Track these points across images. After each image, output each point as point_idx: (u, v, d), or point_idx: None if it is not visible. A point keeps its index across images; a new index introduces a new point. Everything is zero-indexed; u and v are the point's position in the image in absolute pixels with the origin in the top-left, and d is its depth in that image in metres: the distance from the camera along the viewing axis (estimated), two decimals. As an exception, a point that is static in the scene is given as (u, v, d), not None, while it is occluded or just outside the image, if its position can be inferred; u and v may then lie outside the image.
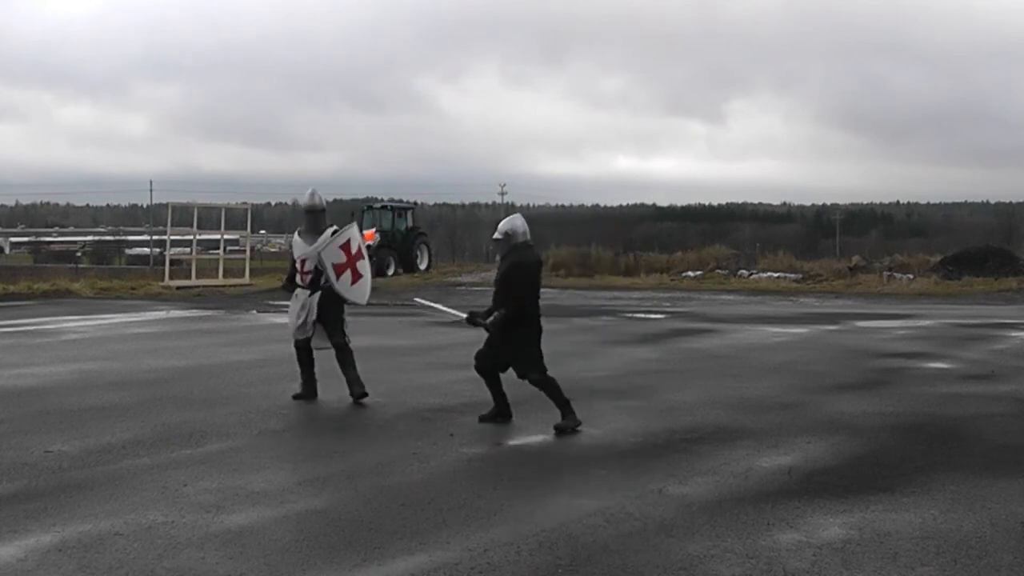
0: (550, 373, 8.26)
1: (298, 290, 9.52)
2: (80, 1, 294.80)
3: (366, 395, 9.34)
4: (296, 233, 9.79)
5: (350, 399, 9.33)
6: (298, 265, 9.52)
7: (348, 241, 9.45)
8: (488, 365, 8.37)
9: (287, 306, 9.88)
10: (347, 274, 9.43)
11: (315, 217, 9.63)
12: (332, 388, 10.07)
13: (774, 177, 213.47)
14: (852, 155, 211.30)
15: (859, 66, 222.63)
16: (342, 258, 9.40)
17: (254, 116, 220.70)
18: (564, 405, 8.16)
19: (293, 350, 9.71)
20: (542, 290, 8.46)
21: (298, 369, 9.61)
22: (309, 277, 9.44)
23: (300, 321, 9.44)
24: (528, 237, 8.35)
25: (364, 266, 9.58)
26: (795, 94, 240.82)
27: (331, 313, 9.45)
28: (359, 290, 9.58)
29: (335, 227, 9.62)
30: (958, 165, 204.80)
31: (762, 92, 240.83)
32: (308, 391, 9.57)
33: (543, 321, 8.35)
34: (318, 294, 9.40)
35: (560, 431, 7.99)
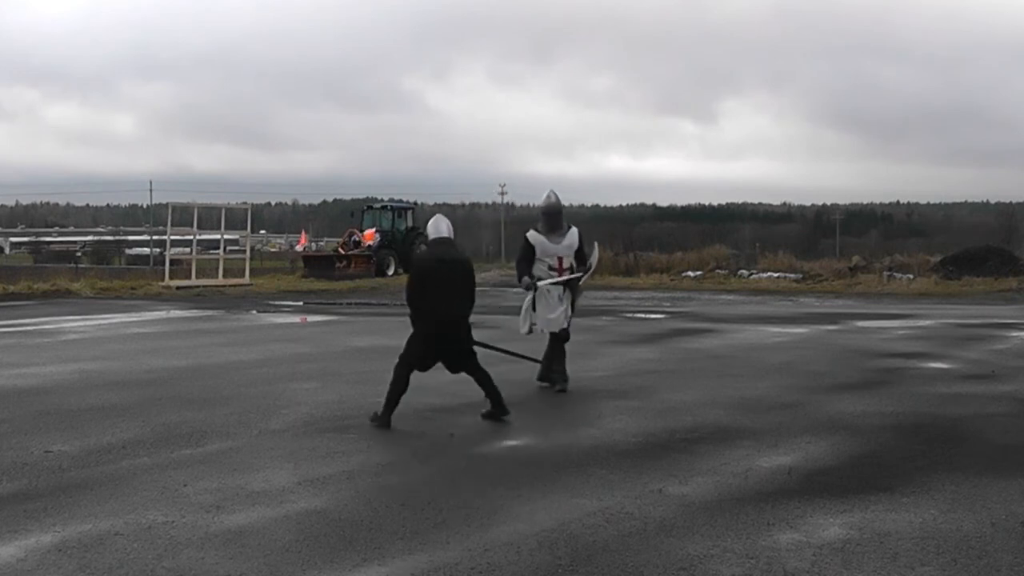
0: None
1: (548, 285, 9.97)
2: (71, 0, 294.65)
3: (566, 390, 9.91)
4: (533, 232, 10.20)
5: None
6: (554, 263, 10.01)
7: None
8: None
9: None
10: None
11: (557, 218, 10.21)
12: (332, 387, 10.09)
13: (772, 177, 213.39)
14: (851, 155, 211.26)
15: (855, 66, 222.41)
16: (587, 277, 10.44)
17: (245, 116, 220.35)
18: (388, 404, 8.23)
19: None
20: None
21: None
22: (568, 272, 10.06)
23: (558, 314, 9.98)
24: (437, 235, 8.49)
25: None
26: (792, 94, 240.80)
27: (572, 308, 10.19)
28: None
29: (574, 227, 10.34)
30: (957, 165, 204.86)
31: (759, 92, 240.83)
32: (563, 378, 9.99)
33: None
34: (567, 290, 10.08)
35: (373, 420, 8.17)
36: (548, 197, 10.23)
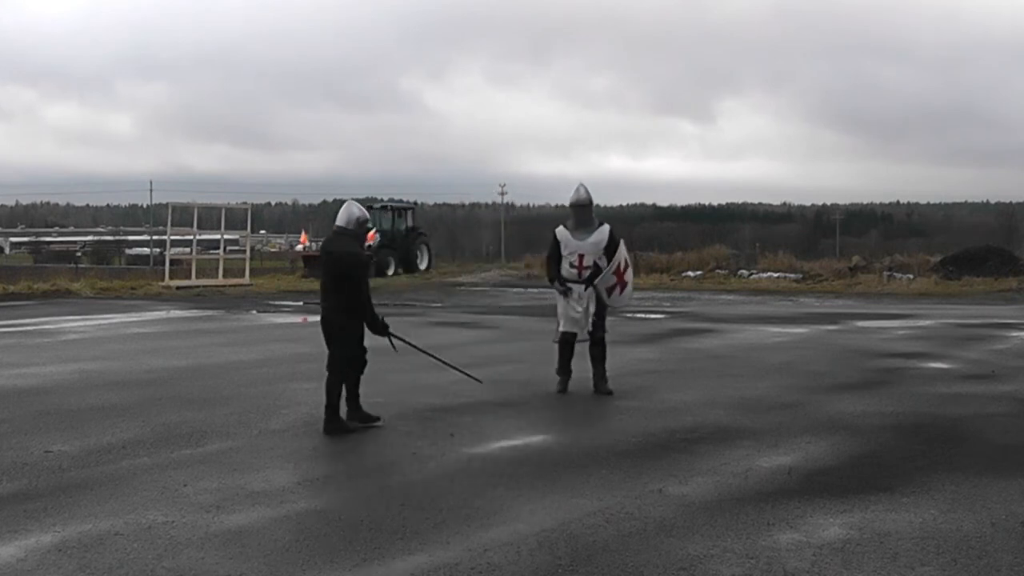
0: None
1: (571, 285, 9.69)
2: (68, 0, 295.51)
3: (611, 393, 9.65)
4: (562, 227, 9.88)
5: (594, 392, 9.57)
6: (574, 260, 9.71)
7: (619, 265, 9.77)
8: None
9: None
10: (616, 290, 9.84)
11: (584, 211, 9.82)
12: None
13: (772, 177, 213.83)
14: (851, 155, 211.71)
15: (855, 66, 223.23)
16: (614, 280, 9.79)
17: (245, 116, 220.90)
18: (350, 401, 8.11)
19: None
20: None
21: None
22: (588, 272, 9.68)
23: (578, 316, 9.69)
24: (338, 224, 8.22)
25: (629, 273, 9.99)
26: (791, 94, 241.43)
27: (600, 307, 9.79)
28: (626, 295, 10.06)
29: (607, 224, 9.83)
30: (957, 165, 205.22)
31: (758, 92, 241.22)
32: (565, 385, 9.79)
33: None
34: (591, 289, 9.71)
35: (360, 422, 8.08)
36: (577, 191, 9.85)
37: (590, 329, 9.74)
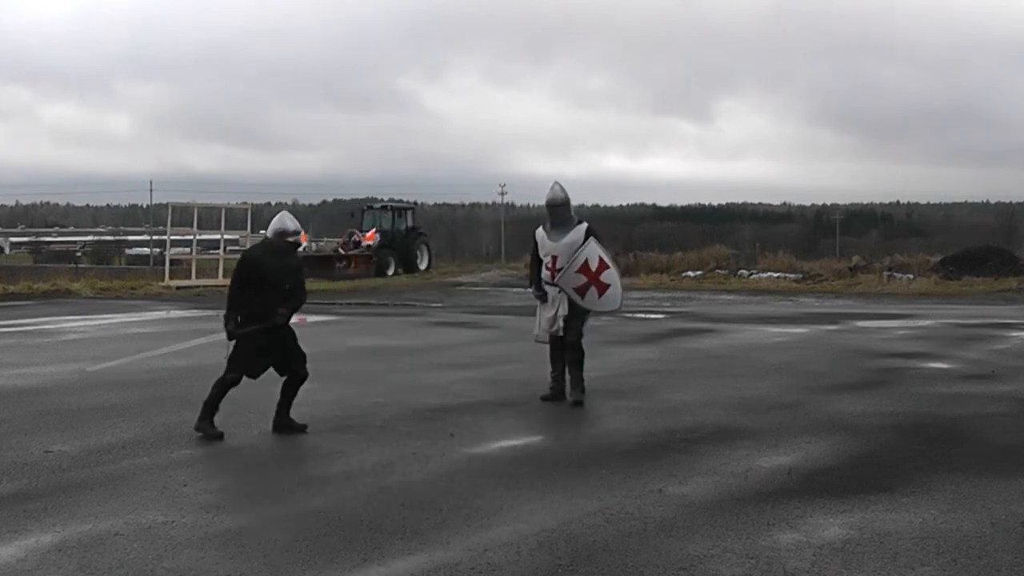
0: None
1: (548, 290, 9.36)
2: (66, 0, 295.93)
3: (581, 404, 9.26)
4: (540, 228, 9.61)
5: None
6: (548, 262, 9.38)
7: (586, 262, 9.20)
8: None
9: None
10: (591, 291, 9.25)
11: (558, 211, 9.44)
12: (331, 389, 10.07)
13: (772, 177, 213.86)
14: (850, 155, 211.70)
15: (855, 66, 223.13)
16: (582, 280, 9.22)
17: (245, 115, 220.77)
18: (206, 408, 7.88)
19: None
20: None
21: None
22: (561, 273, 9.28)
23: (550, 317, 9.36)
24: (268, 234, 8.00)
25: (610, 274, 9.30)
26: (791, 94, 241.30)
27: (576, 310, 9.36)
28: (609, 299, 9.40)
29: (585, 223, 9.47)
30: (957, 165, 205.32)
31: (758, 92, 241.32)
32: (558, 391, 9.46)
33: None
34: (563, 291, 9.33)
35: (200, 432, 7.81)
36: (552, 189, 9.49)
37: (560, 332, 9.35)
